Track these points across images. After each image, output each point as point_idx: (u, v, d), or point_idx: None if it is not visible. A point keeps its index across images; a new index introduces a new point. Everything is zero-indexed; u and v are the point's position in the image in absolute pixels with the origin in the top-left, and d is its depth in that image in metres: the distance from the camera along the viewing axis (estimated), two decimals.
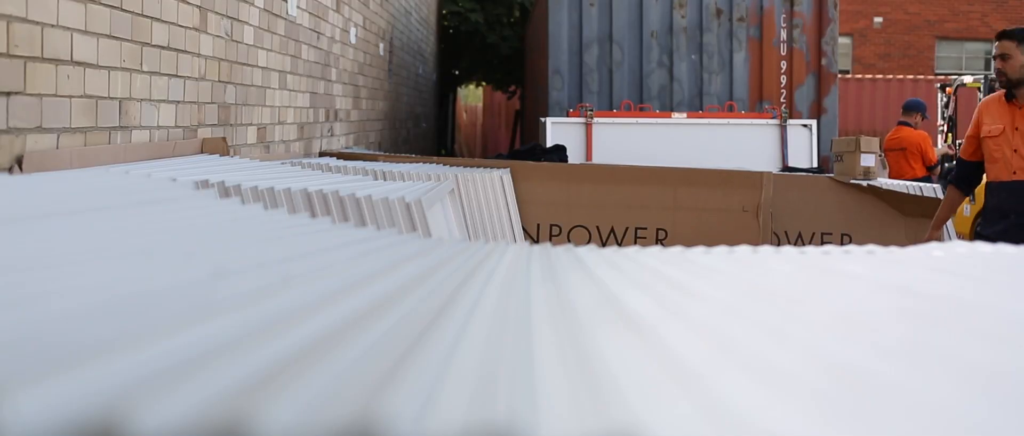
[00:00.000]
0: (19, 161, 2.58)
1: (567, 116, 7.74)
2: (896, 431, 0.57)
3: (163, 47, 3.55)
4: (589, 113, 7.45)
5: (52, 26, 2.73)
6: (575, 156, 7.03)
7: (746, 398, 0.64)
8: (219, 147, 3.92)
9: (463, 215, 4.31)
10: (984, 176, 4.31)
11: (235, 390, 0.59)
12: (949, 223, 5.60)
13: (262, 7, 4.77)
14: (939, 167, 8.94)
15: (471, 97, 23.88)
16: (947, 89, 9.92)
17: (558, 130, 7.37)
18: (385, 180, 3.83)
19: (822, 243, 5.14)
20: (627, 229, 5.11)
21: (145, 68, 3.39)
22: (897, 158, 8.63)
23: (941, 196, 5.34)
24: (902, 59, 21.47)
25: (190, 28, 3.82)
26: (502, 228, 4.49)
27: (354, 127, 7.57)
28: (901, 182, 5.68)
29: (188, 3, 3.78)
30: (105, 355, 0.65)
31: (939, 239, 4.35)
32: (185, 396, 0.57)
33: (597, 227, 5.04)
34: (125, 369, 0.63)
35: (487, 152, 21.09)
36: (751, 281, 1.37)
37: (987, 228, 4.16)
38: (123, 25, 3.19)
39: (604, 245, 4.31)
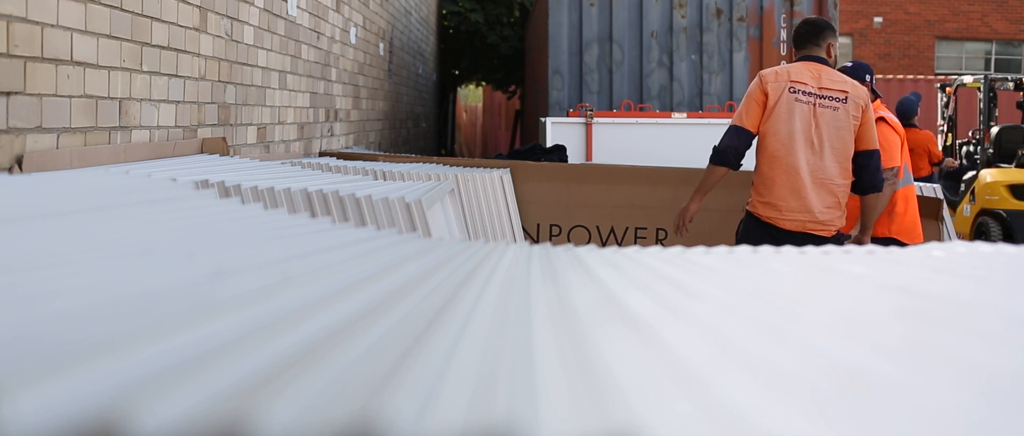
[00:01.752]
0: (19, 161, 2.58)
1: (567, 116, 7.75)
2: (896, 431, 0.58)
3: (163, 47, 3.55)
4: (589, 113, 7.45)
5: (52, 26, 2.73)
6: (575, 156, 7.03)
7: (746, 398, 0.64)
8: (219, 147, 3.92)
9: (463, 215, 4.31)
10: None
11: (235, 390, 0.59)
12: (949, 223, 5.60)
13: (262, 7, 4.77)
14: (944, 162, 9.00)
15: (471, 97, 23.88)
16: (947, 89, 9.93)
17: (558, 130, 7.37)
18: (385, 180, 3.83)
19: None
20: (627, 229, 5.12)
21: (145, 68, 3.39)
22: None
23: (940, 196, 5.34)
24: (902, 59, 21.48)
25: (190, 28, 3.82)
26: (502, 228, 4.49)
27: (354, 127, 7.57)
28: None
29: (188, 3, 3.78)
30: (105, 355, 0.65)
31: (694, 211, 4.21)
32: (185, 396, 0.57)
33: (597, 227, 5.05)
34: (125, 369, 0.63)
35: (487, 152, 21.09)
36: (751, 281, 1.37)
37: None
38: (123, 25, 3.19)
39: (604, 245, 4.31)
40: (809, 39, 4.17)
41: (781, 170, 3.97)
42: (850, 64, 4.78)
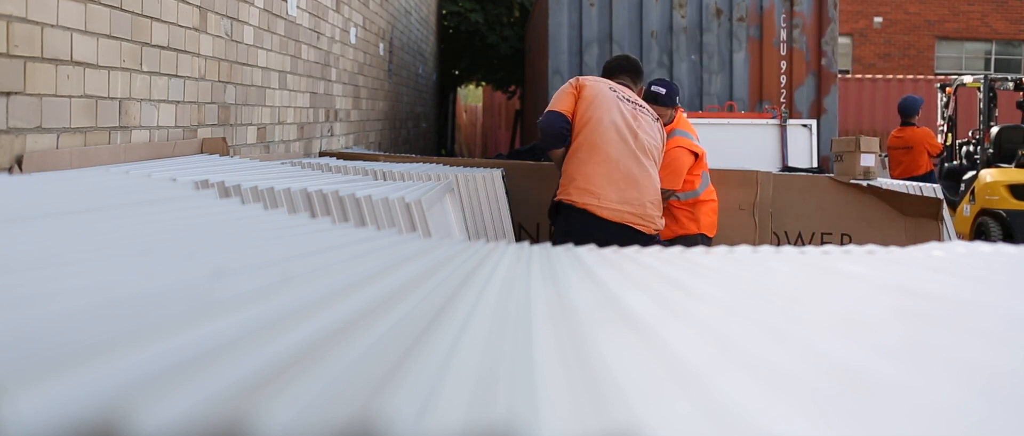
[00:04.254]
0: (19, 161, 2.58)
1: None
2: (896, 431, 0.57)
3: (163, 47, 3.55)
4: None
5: (52, 26, 2.73)
6: None
7: (746, 398, 0.64)
8: (219, 147, 3.92)
9: (463, 215, 4.31)
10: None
11: (235, 390, 0.59)
12: (949, 222, 5.60)
13: (262, 7, 4.77)
14: (941, 156, 9.02)
15: (471, 97, 23.87)
16: (947, 89, 9.93)
17: None
18: (385, 180, 3.83)
19: (822, 243, 5.14)
20: None
21: (145, 68, 3.39)
22: (902, 156, 8.70)
23: (940, 196, 5.34)
24: (902, 59, 21.48)
25: (190, 28, 3.82)
26: (502, 228, 4.49)
27: (354, 127, 7.57)
28: (901, 182, 5.68)
29: (188, 3, 3.78)
30: (105, 355, 0.65)
31: None
32: (185, 396, 0.57)
33: None
34: (125, 369, 0.63)
35: (487, 152, 21.08)
36: (751, 281, 1.37)
37: None
38: (123, 25, 3.19)
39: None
40: (626, 75, 4.37)
41: (600, 158, 3.99)
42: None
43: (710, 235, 4.75)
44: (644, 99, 4.52)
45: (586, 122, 4.01)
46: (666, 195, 4.45)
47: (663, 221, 4.14)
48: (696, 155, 4.66)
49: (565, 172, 4.06)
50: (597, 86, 4.10)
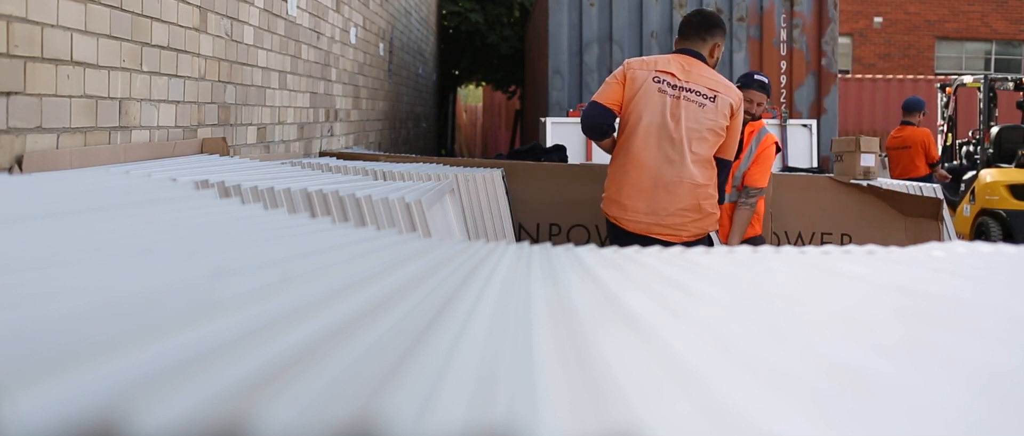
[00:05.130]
0: (19, 161, 2.58)
1: (567, 116, 7.74)
2: (896, 431, 0.57)
3: (163, 47, 3.55)
4: None
5: (52, 26, 2.73)
6: (575, 156, 7.02)
7: (746, 398, 0.64)
8: (219, 147, 3.92)
9: (463, 215, 4.31)
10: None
11: (235, 390, 0.59)
12: (949, 222, 5.60)
13: (262, 7, 4.77)
14: (940, 164, 9.01)
15: (471, 97, 23.87)
16: (947, 89, 9.93)
17: (558, 130, 7.36)
18: (385, 180, 3.83)
19: (822, 243, 5.14)
20: None
21: (145, 68, 3.39)
22: (900, 156, 8.70)
23: (940, 196, 5.34)
24: (902, 59, 21.48)
25: (190, 28, 3.82)
26: (502, 228, 4.49)
27: (354, 127, 7.57)
28: (901, 182, 5.68)
29: (188, 3, 3.78)
30: (105, 355, 0.65)
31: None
32: (185, 396, 0.57)
33: (597, 227, 5.04)
34: (125, 369, 0.63)
35: (487, 152, 21.09)
36: (751, 281, 1.37)
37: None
38: (123, 25, 3.19)
39: (604, 245, 4.30)
40: (694, 33, 3.95)
41: (632, 165, 3.81)
42: (754, 74, 4.65)
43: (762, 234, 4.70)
44: (747, 86, 4.38)
45: (625, 124, 3.84)
46: (752, 193, 4.28)
47: (704, 225, 3.85)
48: (778, 148, 4.53)
49: (607, 177, 3.99)
50: (641, 76, 3.82)
